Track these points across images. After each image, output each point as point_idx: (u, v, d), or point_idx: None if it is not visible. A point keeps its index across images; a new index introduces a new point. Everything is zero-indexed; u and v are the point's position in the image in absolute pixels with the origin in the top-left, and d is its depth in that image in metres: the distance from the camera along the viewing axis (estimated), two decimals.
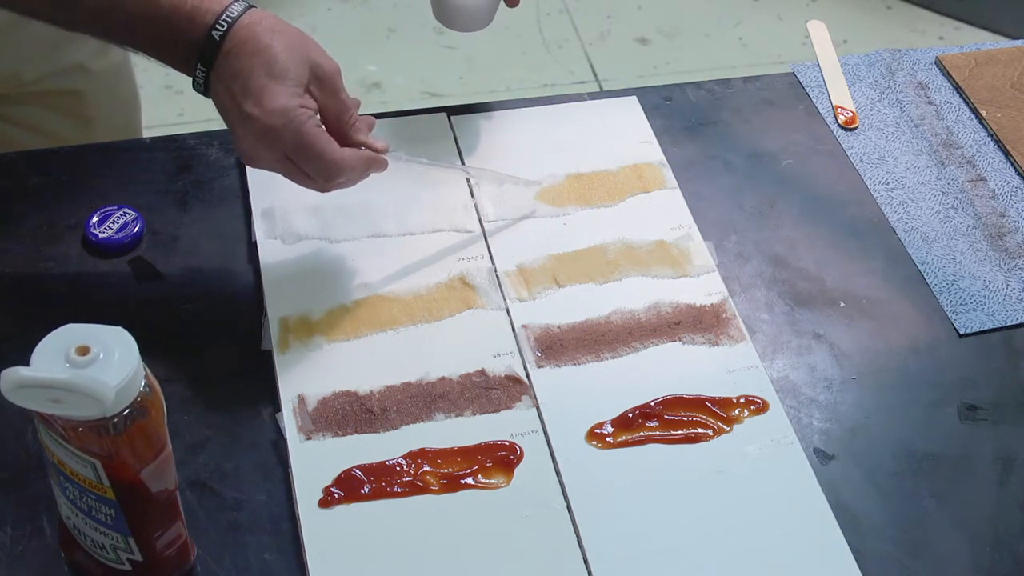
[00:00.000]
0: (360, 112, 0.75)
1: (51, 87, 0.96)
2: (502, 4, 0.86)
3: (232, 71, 0.69)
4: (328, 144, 0.70)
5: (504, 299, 0.80)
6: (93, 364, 0.53)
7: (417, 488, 0.69)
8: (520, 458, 0.71)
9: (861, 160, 0.94)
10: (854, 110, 0.98)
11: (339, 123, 0.73)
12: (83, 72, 0.97)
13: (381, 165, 0.75)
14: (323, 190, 0.73)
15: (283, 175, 0.72)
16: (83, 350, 0.54)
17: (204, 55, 0.69)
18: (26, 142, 0.93)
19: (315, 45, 0.72)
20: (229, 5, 0.69)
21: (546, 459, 0.71)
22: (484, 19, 0.86)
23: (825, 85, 1.00)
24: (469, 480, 0.70)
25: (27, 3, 0.72)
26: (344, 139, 0.72)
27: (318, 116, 0.71)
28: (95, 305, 0.77)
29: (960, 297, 0.84)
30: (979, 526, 0.71)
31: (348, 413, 0.72)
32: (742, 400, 0.75)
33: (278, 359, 0.75)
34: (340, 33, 2.24)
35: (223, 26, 0.68)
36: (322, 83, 0.71)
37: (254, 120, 0.68)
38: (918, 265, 0.86)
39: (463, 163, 0.89)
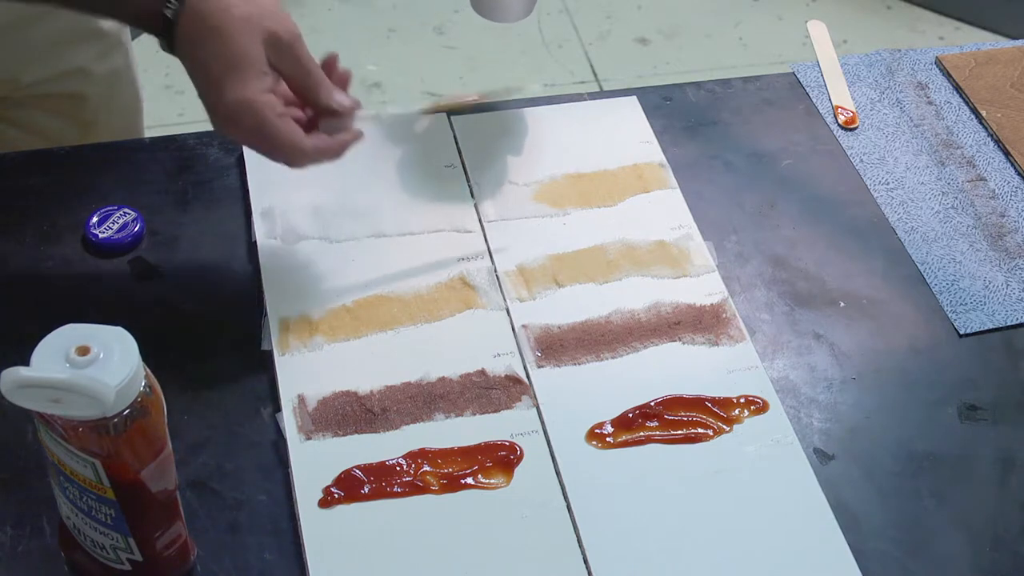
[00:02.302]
0: (360, 112, 0.74)
1: (51, 90, 0.96)
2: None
3: (191, 58, 0.67)
4: (290, 135, 0.69)
5: (504, 299, 0.80)
6: (93, 364, 0.53)
7: (417, 488, 0.69)
8: (520, 458, 0.71)
9: (861, 160, 0.94)
10: (854, 110, 0.98)
11: (304, 90, 0.71)
12: (83, 76, 0.97)
13: (350, 144, 0.73)
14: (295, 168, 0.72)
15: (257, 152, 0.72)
16: (83, 350, 0.54)
17: (163, 32, 0.67)
18: (26, 145, 0.93)
19: (271, 10, 0.68)
20: None
21: (546, 459, 0.71)
22: (526, 7, 0.85)
23: (825, 85, 1.00)
24: (469, 480, 0.70)
25: None
26: (313, 105, 0.72)
27: (279, 103, 0.69)
28: (95, 305, 0.77)
29: (960, 297, 0.84)
30: (979, 526, 0.71)
31: (348, 413, 0.72)
32: (742, 400, 0.75)
33: (278, 359, 0.75)
34: (340, 33, 2.24)
35: (173, 4, 0.67)
36: (280, 52, 0.69)
37: (216, 109, 0.68)
38: (918, 265, 0.86)
39: (463, 163, 0.89)
